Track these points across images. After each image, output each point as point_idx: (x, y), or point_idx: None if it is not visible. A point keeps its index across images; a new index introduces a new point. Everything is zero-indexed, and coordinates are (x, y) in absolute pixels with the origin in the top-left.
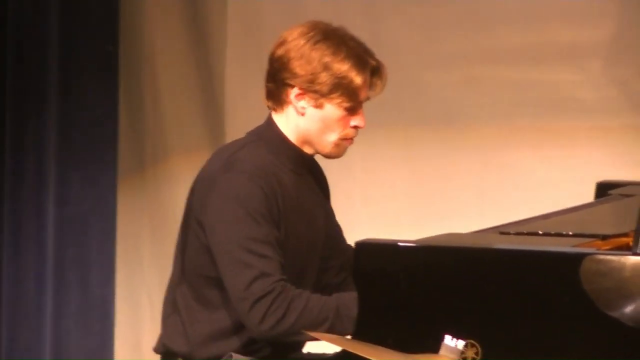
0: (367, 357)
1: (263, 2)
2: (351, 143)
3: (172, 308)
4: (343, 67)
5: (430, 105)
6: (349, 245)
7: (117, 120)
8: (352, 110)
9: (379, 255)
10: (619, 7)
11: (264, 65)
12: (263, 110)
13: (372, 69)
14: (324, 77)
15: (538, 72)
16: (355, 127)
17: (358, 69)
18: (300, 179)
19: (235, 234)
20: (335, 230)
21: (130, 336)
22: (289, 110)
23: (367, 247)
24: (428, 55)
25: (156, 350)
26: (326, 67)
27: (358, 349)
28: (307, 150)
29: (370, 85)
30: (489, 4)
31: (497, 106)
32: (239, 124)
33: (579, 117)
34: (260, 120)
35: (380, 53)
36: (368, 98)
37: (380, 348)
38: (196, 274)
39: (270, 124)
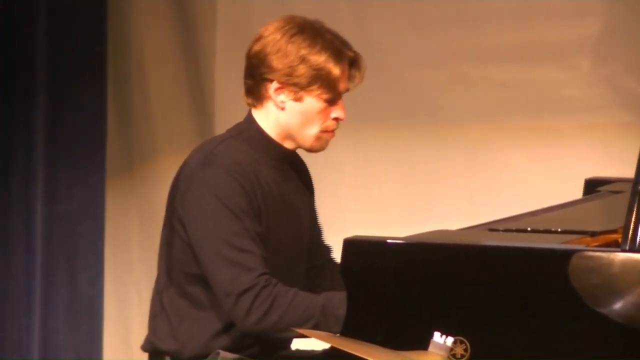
0: (356, 354)
1: (252, 1)
2: (332, 136)
3: (159, 307)
4: (320, 59)
5: (418, 103)
6: (328, 247)
7: (105, 119)
8: (331, 102)
9: (367, 252)
10: (605, 4)
11: None
12: None
13: (350, 60)
14: (302, 70)
15: (526, 70)
16: (336, 119)
17: (335, 60)
18: (282, 174)
19: (216, 230)
20: (317, 230)
21: (119, 334)
22: (269, 106)
23: (355, 244)
24: (416, 54)
25: (144, 348)
26: (303, 60)
27: (347, 346)
28: (288, 145)
29: (349, 76)
30: (476, 3)
31: (485, 104)
32: (228, 124)
33: (567, 115)
34: None
35: (369, 52)
36: (347, 89)
37: (369, 345)
38: (180, 272)
39: (250, 120)
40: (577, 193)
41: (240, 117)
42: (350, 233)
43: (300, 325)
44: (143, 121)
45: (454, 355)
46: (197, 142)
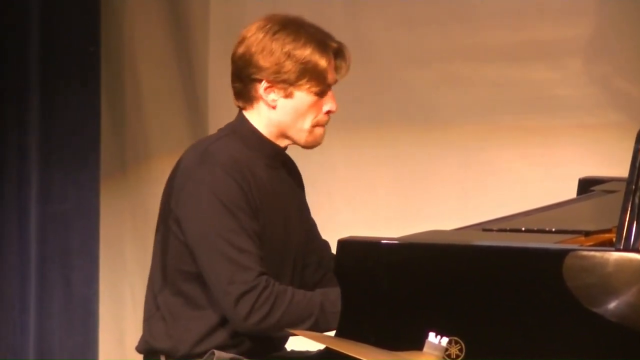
0: (351, 354)
1: (245, 1)
2: (323, 130)
3: (154, 308)
4: (305, 52)
5: (411, 103)
6: (325, 241)
7: (99, 120)
8: (321, 94)
9: (361, 252)
10: (597, 4)
11: None
12: None
13: (335, 51)
14: (289, 65)
15: (519, 70)
16: (328, 112)
17: (320, 52)
18: (274, 173)
19: (212, 227)
20: (309, 225)
21: (114, 335)
22: (260, 106)
23: (349, 245)
24: (409, 53)
25: (138, 349)
26: (289, 55)
27: (341, 346)
28: (282, 143)
29: (335, 67)
30: (470, 2)
31: (478, 104)
32: (222, 124)
33: (560, 115)
34: None
35: (362, 51)
36: (336, 81)
37: (363, 345)
38: (176, 270)
39: (242, 119)
40: (571, 193)
41: (233, 117)
42: (344, 233)
43: (300, 324)
44: (137, 122)
45: (448, 356)
46: (190, 142)
